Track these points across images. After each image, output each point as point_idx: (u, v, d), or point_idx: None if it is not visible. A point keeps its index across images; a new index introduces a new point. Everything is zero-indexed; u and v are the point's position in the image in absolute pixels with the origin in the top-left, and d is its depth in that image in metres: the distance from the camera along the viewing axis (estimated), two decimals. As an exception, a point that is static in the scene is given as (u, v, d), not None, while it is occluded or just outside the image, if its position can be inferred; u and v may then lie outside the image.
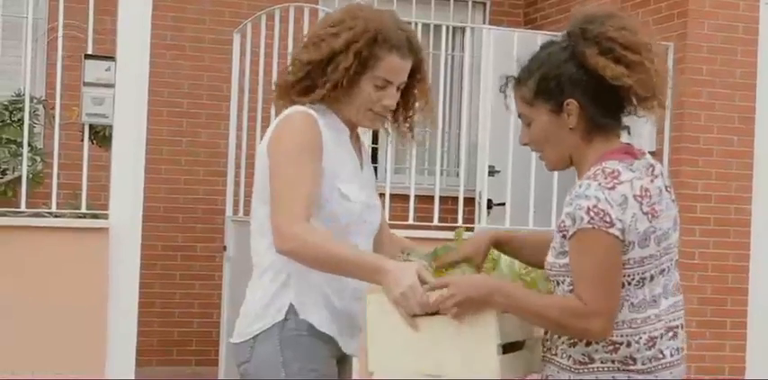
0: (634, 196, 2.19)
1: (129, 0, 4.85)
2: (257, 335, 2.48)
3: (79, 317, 4.67)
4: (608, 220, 2.15)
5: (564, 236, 2.20)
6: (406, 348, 2.27)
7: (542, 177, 5.87)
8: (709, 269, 6.05)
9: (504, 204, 6.07)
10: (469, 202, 6.31)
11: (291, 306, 2.47)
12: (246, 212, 5.88)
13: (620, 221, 2.16)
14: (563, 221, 2.20)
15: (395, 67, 2.51)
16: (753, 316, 6.10)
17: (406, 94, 2.60)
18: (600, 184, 2.18)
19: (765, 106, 6.19)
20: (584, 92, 2.25)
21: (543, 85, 2.28)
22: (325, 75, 2.48)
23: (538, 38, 5.89)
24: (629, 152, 2.28)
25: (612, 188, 2.18)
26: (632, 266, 2.20)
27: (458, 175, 6.38)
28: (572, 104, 2.26)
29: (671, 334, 2.26)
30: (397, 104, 2.59)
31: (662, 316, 2.24)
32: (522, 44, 5.90)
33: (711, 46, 6.12)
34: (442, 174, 5.94)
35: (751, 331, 6.09)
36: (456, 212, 5.89)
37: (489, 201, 6.36)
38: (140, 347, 5.09)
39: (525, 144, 2.36)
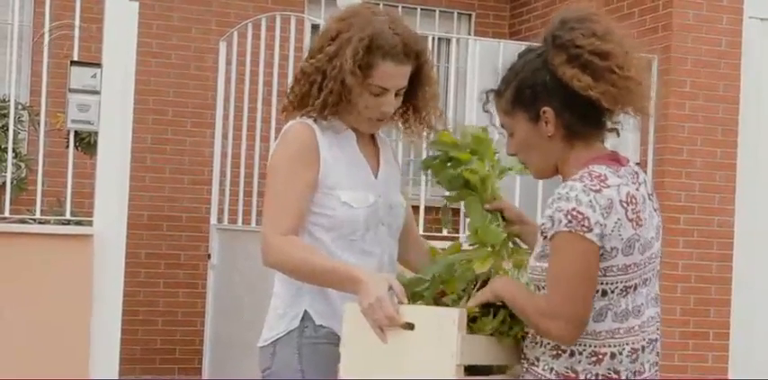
0: (620, 202, 2.16)
1: (116, 7, 4.85)
2: (277, 340, 2.51)
3: (62, 324, 4.65)
4: (586, 224, 2.12)
5: (545, 237, 2.18)
6: (376, 358, 2.28)
7: (527, 188, 5.89)
8: (692, 280, 6.08)
9: (488, 214, 6.08)
10: (455, 212, 6.31)
11: (306, 313, 2.49)
12: (231, 221, 5.88)
13: (599, 225, 2.13)
14: (543, 223, 2.18)
15: (389, 74, 2.48)
16: (735, 327, 6.13)
17: (412, 97, 2.58)
18: (585, 185, 2.15)
19: (748, 119, 6.23)
20: (558, 100, 2.23)
21: (519, 94, 2.27)
22: (325, 86, 2.46)
23: (523, 49, 5.92)
24: (616, 159, 2.27)
25: (599, 191, 2.15)
26: (615, 274, 2.18)
27: (442, 185, 6.39)
28: (548, 113, 2.24)
29: (651, 347, 2.24)
30: (407, 107, 2.59)
31: (644, 327, 2.22)
32: (507, 55, 5.91)
33: (695, 59, 6.16)
34: (427, 184, 5.94)
35: (734, 343, 6.12)
36: (441, 222, 5.89)
37: (474, 211, 6.36)
38: (124, 355, 5.07)
39: (512, 154, 2.35)
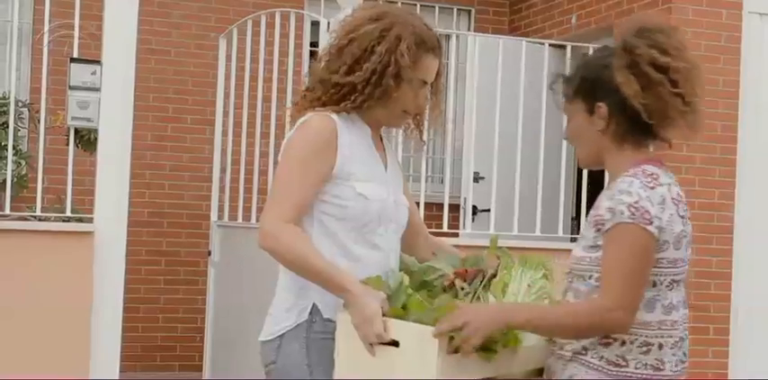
0: (672, 199, 2.30)
1: (116, 4, 4.85)
2: (283, 334, 2.50)
3: (63, 321, 4.66)
4: (647, 216, 2.24)
5: (599, 229, 2.27)
6: (366, 370, 2.32)
7: (527, 184, 5.89)
8: (692, 276, 6.07)
9: (489, 211, 6.09)
10: (454, 208, 6.32)
11: (315, 306, 2.49)
12: (231, 218, 5.89)
13: (658, 218, 2.25)
14: (600, 215, 2.27)
15: (431, 67, 2.57)
16: (736, 323, 6.13)
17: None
18: (642, 182, 2.28)
19: (748, 114, 6.23)
20: (613, 100, 2.34)
21: (582, 85, 2.40)
22: (373, 83, 2.49)
23: (522, 45, 5.92)
24: (662, 163, 2.40)
25: (653, 188, 2.28)
26: (665, 266, 2.29)
27: (443, 181, 6.40)
28: (602, 108, 2.35)
29: (685, 341, 2.36)
30: None
31: (681, 322, 2.34)
32: (506, 51, 5.93)
33: (695, 54, 6.14)
34: (427, 180, 5.95)
35: (734, 338, 6.12)
36: (441, 218, 5.90)
37: (474, 207, 6.38)
38: (124, 352, 5.08)
39: (565, 139, 2.49)
